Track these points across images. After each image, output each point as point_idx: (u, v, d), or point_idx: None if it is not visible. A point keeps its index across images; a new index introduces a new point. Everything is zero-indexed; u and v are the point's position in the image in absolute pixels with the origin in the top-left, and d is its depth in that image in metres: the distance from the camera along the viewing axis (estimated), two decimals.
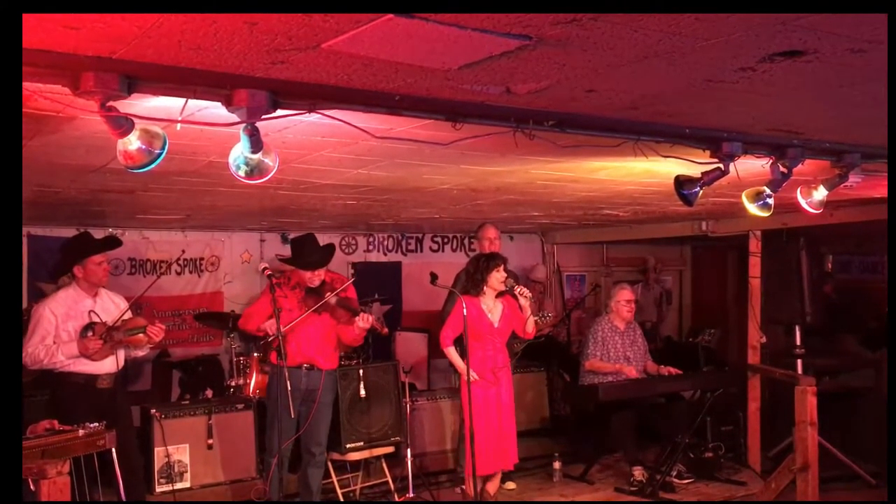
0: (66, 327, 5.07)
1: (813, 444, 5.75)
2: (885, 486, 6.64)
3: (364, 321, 5.43)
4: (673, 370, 6.92)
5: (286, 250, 6.85)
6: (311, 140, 3.56)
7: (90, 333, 5.04)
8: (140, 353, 5.45)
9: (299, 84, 2.61)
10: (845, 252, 10.43)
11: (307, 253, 5.52)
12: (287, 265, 5.77)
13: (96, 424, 4.18)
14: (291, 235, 7.97)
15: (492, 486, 5.87)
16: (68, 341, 5.04)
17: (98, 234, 5.78)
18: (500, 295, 5.84)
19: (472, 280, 5.83)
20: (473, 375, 5.59)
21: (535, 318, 6.73)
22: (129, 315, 5.27)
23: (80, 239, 5.45)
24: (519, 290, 5.74)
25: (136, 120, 2.63)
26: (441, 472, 6.96)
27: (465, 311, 5.49)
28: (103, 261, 5.23)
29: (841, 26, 2.20)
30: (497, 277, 5.73)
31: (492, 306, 5.79)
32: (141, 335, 5.13)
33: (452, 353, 5.77)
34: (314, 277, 5.46)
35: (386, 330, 6.43)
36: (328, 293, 5.43)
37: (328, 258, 5.62)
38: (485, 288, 5.76)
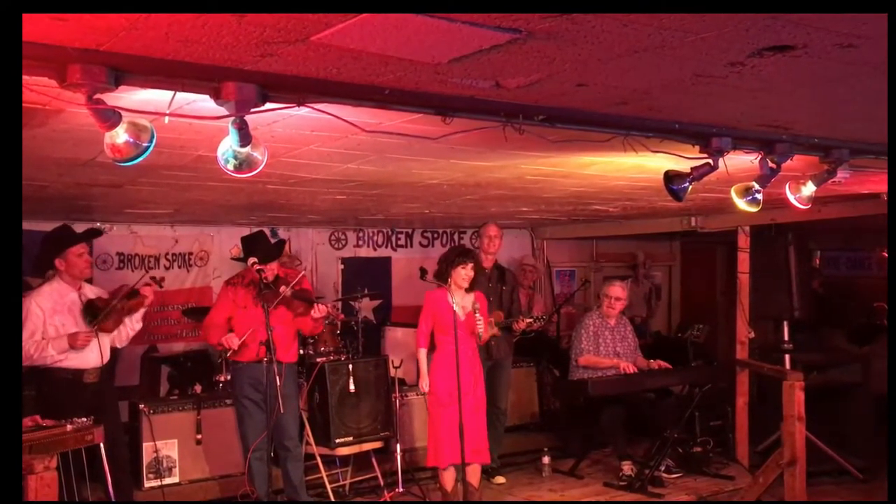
0: (54, 321, 5.05)
1: (801, 439, 5.78)
2: (872, 480, 6.69)
3: (318, 311, 5.56)
4: (663, 363, 6.94)
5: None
6: (301, 134, 3.55)
7: (87, 318, 5.08)
8: (138, 326, 5.48)
9: (288, 77, 2.60)
10: (833, 248, 10.50)
11: (258, 249, 5.63)
12: (239, 263, 5.93)
13: (85, 419, 4.17)
14: (280, 230, 8.00)
15: (473, 478, 5.84)
16: (57, 337, 5.01)
17: (85, 228, 5.75)
18: (471, 289, 5.85)
19: (438, 270, 5.85)
20: (425, 386, 5.76)
21: (531, 319, 6.80)
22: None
23: (58, 231, 5.39)
24: (475, 294, 5.75)
25: (123, 113, 2.61)
26: (431, 466, 6.96)
27: (454, 306, 5.53)
28: (84, 252, 5.22)
29: (830, 21, 2.21)
30: (461, 274, 5.73)
31: (460, 300, 5.76)
32: (136, 299, 5.27)
33: (421, 356, 5.88)
34: (267, 273, 5.50)
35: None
36: (283, 287, 5.49)
37: (279, 253, 5.77)
38: (449, 281, 5.76)
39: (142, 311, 5.45)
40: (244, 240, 5.88)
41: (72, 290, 5.18)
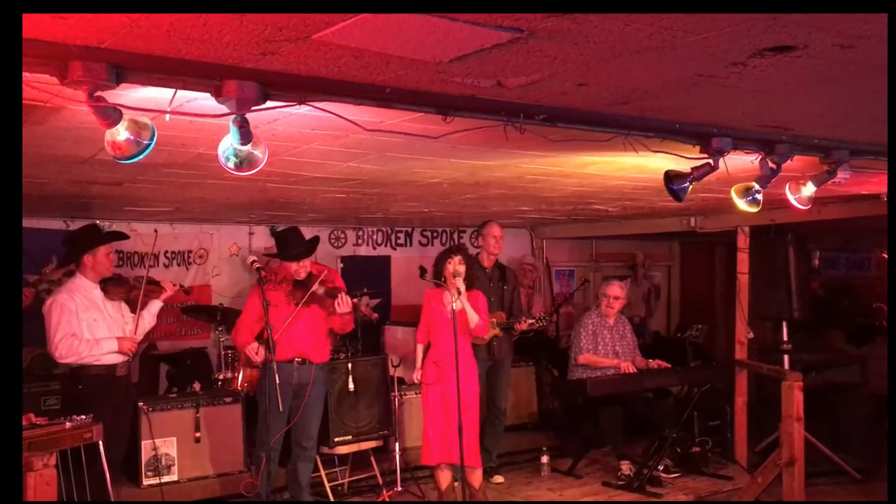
0: (84, 317, 5.16)
1: (799, 439, 5.78)
2: (869, 480, 6.70)
3: (344, 305, 5.35)
4: (662, 363, 6.95)
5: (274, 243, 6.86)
6: (301, 132, 3.55)
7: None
8: (153, 321, 5.59)
9: (289, 75, 2.60)
10: (832, 248, 10.50)
11: (292, 245, 5.58)
12: (273, 259, 5.86)
13: (83, 417, 4.18)
14: (279, 228, 7.98)
15: (474, 480, 5.83)
16: (109, 337, 5.19)
17: (83, 225, 5.84)
18: (469, 288, 5.82)
19: (435, 271, 5.89)
20: (417, 377, 5.87)
21: (532, 320, 6.78)
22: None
23: (90, 228, 5.61)
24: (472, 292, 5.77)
25: (124, 110, 2.61)
26: (429, 465, 6.95)
27: (452, 306, 5.51)
28: (111, 251, 5.42)
29: (830, 22, 2.21)
30: (449, 269, 5.71)
31: (456, 299, 5.68)
32: (154, 286, 5.52)
33: (418, 350, 5.99)
34: (300, 269, 5.49)
35: (375, 315, 6.47)
36: (316, 284, 5.44)
37: (313, 249, 5.69)
38: (444, 280, 5.75)
39: (158, 305, 5.58)
40: (278, 235, 5.89)
41: (95, 287, 5.30)
